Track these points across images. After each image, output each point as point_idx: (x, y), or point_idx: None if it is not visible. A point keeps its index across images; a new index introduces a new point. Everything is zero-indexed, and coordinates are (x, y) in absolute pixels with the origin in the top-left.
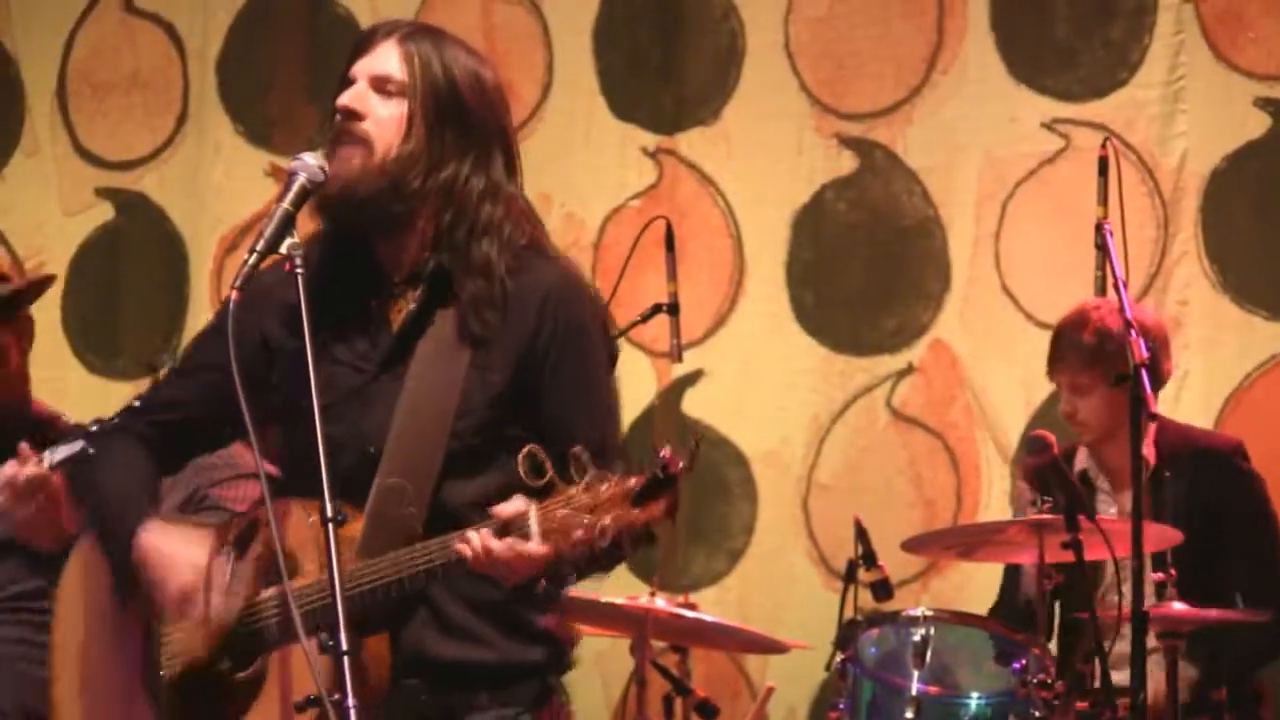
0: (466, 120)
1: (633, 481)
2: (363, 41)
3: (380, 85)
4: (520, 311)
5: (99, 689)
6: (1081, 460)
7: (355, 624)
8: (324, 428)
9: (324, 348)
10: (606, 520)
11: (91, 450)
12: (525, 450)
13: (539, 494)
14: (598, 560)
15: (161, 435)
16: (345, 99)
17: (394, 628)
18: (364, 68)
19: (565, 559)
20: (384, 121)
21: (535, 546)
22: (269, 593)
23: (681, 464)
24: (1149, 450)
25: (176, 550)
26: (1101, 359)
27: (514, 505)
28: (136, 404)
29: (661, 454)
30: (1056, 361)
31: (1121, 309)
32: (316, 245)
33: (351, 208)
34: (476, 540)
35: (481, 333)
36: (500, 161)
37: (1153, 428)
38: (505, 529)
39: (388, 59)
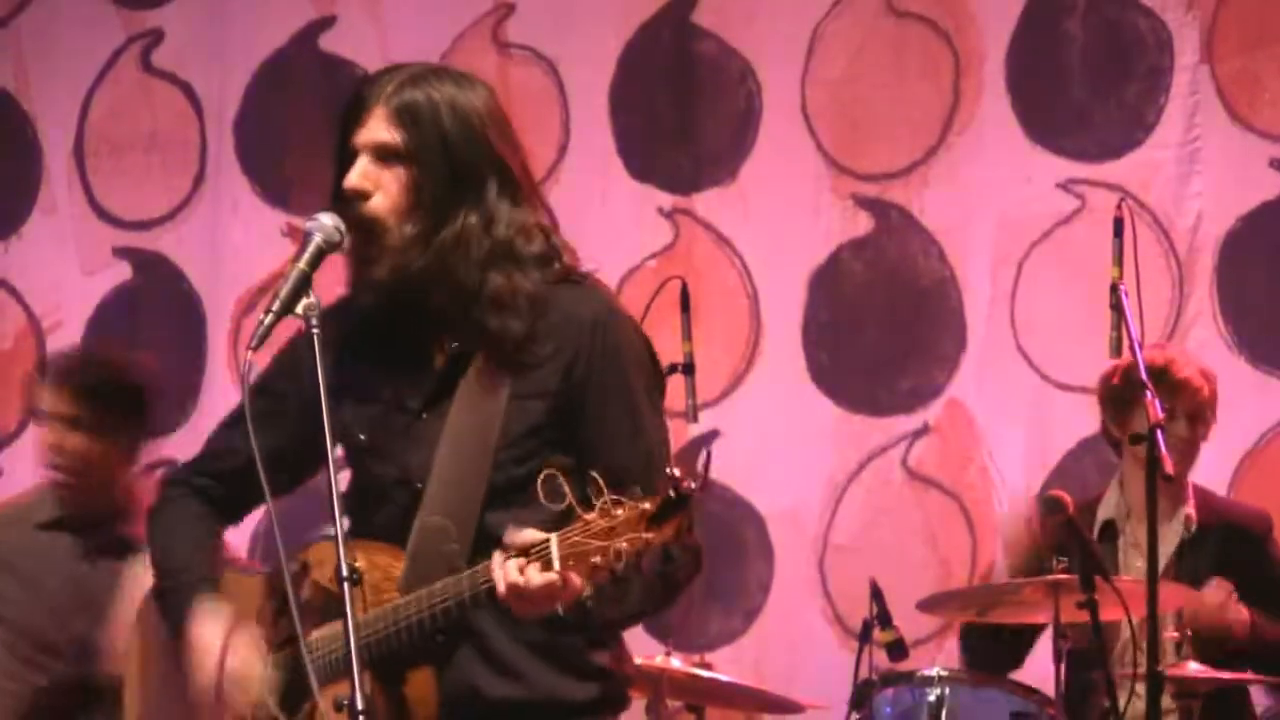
0: (470, 162)
1: (647, 504)
2: (354, 108)
3: (380, 154)
4: (561, 341)
5: None
6: (1107, 509)
7: (399, 660)
8: (374, 467)
9: (371, 388)
10: (622, 544)
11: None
12: (544, 474)
13: (559, 521)
14: (628, 586)
15: (222, 485)
16: (352, 180)
17: (439, 665)
18: (362, 140)
19: (588, 585)
20: (391, 191)
21: (555, 575)
22: (318, 634)
23: (693, 484)
24: (1190, 510)
25: (215, 643)
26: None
27: (533, 533)
28: (199, 453)
29: (673, 475)
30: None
31: (1137, 369)
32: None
33: (393, 297)
34: (503, 571)
35: (525, 362)
36: (514, 189)
37: (1192, 488)
38: (526, 556)
39: (381, 128)
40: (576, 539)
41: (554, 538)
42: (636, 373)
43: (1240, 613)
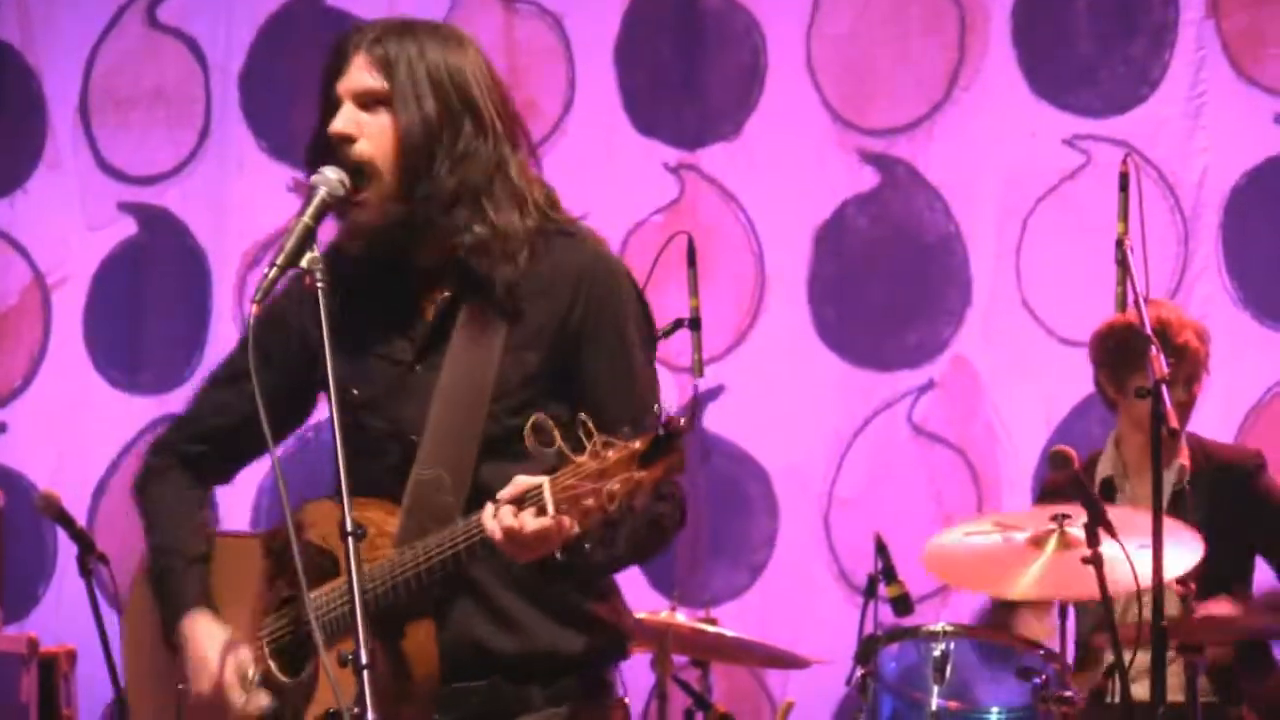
0: (452, 109)
1: (638, 443)
2: (336, 58)
3: (363, 101)
4: (554, 291)
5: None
6: (1105, 467)
7: (397, 615)
8: (367, 421)
9: (362, 343)
10: (615, 485)
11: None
12: (532, 420)
13: (552, 470)
14: (618, 528)
15: (210, 445)
16: (337, 125)
17: (439, 618)
18: (345, 87)
19: (582, 529)
20: (376, 136)
21: (550, 520)
22: (315, 593)
23: (683, 420)
24: (1185, 460)
25: (209, 653)
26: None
27: (526, 480)
28: (184, 412)
29: (662, 413)
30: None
31: (1142, 324)
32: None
33: (382, 243)
34: (497, 518)
35: (516, 308)
36: (498, 139)
37: (1184, 440)
38: (520, 504)
39: (362, 74)
40: (569, 482)
41: (546, 482)
42: (629, 320)
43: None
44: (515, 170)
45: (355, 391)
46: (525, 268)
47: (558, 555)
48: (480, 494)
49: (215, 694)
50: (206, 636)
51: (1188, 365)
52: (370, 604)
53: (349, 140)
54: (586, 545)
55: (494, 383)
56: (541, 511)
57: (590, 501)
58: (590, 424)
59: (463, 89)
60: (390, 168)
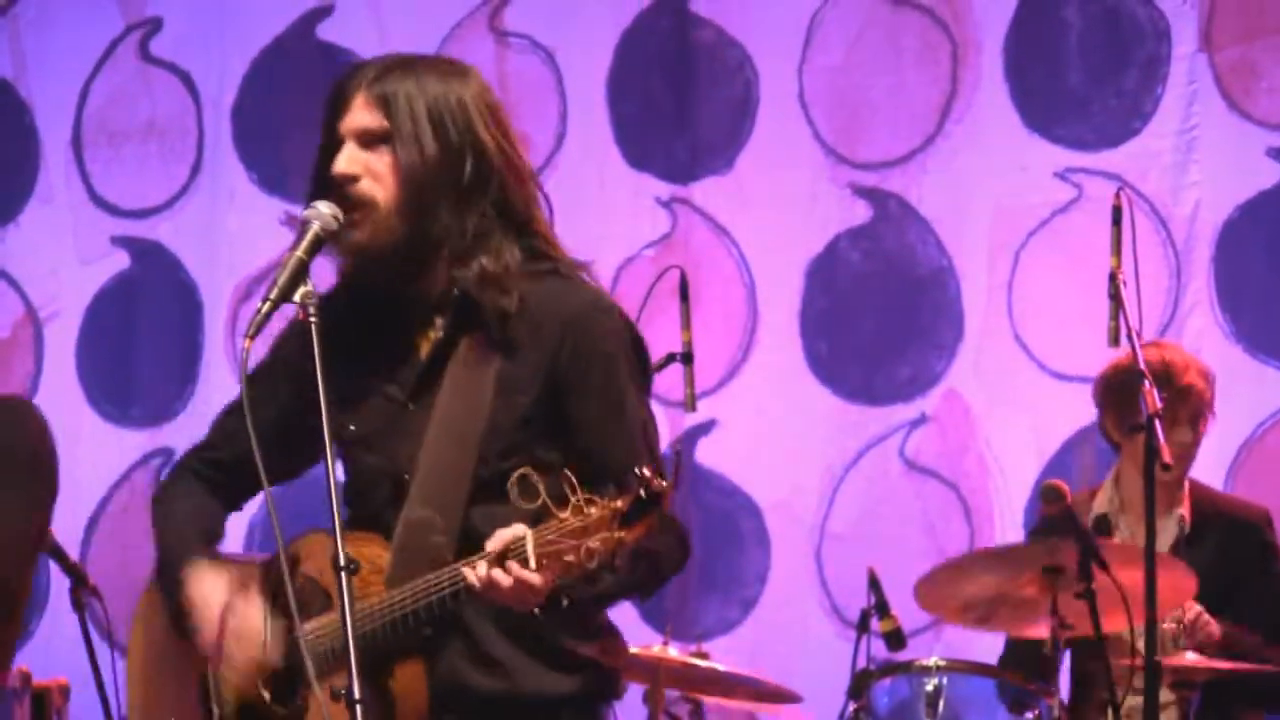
0: (452, 144)
1: (619, 503)
2: (338, 98)
3: (365, 140)
4: (542, 333)
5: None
6: (1101, 504)
7: (387, 655)
8: (362, 457)
9: (360, 381)
10: (595, 543)
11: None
12: (517, 474)
13: (535, 519)
14: (596, 582)
15: (224, 471)
16: (339, 165)
17: (428, 658)
18: (346, 126)
19: (560, 584)
20: (378, 174)
21: (529, 574)
22: (309, 625)
23: (664, 483)
24: (1184, 511)
25: (216, 598)
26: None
27: (510, 531)
28: (203, 440)
29: (643, 474)
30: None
31: (1135, 359)
32: (346, 279)
33: (373, 269)
34: (480, 568)
35: (505, 346)
36: (499, 175)
37: (1188, 487)
38: (503, 555)
39: (362, 113)
40: (551, 537)
41: (529, 535)
42: (620, 366)
43: (1210, 632)
44: (517, 206)
45: (352, 427)
46: (517, 307)
47: (535, 611)
48: (471, 535)
49: (219, 638)
50: (211, 579)
51: (1192, 406)
52: (360, 641)
53: (352, 180)
54: (563, 600)
55: (485, 424)
56: (524, 564)
57: (571, 558)
58: (574, 479)
59: (463, 124)
60: (392, 206)
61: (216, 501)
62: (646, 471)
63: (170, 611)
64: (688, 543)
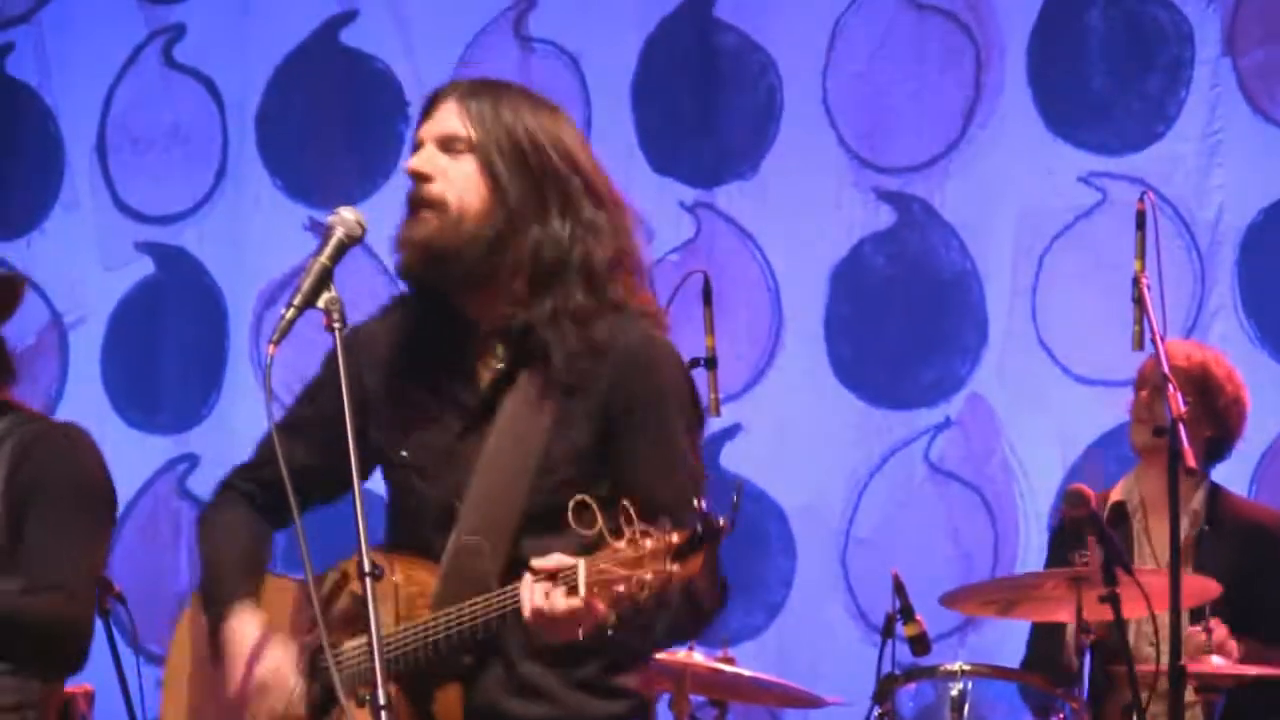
0: (537, 170)
1: (674, 537)
2: (427, 105)
3: (447, 145)
4: (598, 371)
5: None
6: (1118, 493)
7: (427, 678)
8: (415, 483)
9: (417, 404)
10: (647, 575)
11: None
12: (575, 500)
13: (590, 550)
14: (646, 616)
15: (267, 492)
16: (414, 162)
17: (466, 684)
18: (429, 130)
19: (612, 613)
20: (455, 180)
21: (580, 601)
22: (352, 642)
23: (723, 521)
24: (1199, 507)
25: (248, 644)
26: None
27: (562, 558)
28: (248, 458)
29: (702, 511)
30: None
31: (1159, 363)
32: (410, 300)
33: (432, 265)
34: (530, 593)
35: (572, 383)
36: (569, 206)
37: (1204, 488)
38: (553, 579)
39: (450, 118)
40: (604, 566)
41: (582, 563)
42: (671, 405)
43: (1230, 651)
44: (599, 253)
45: (405, 454)
46: (584, 336)
47: (580, 637)
48: (518, 565)
49: (244, 685)
50: (248, 623)
51: (1233, 420)
52: (400, 660)
53: (426, 179)
54: (610, 631)
55: (538, 460)
56: (573, 591)
57: (622, 588)
58: (631, 510)
59: (551, 158)
60: (466, 211)
61: (264, 522)
62: (705, 508)
63: (210, 635)
64: (726, 591)
